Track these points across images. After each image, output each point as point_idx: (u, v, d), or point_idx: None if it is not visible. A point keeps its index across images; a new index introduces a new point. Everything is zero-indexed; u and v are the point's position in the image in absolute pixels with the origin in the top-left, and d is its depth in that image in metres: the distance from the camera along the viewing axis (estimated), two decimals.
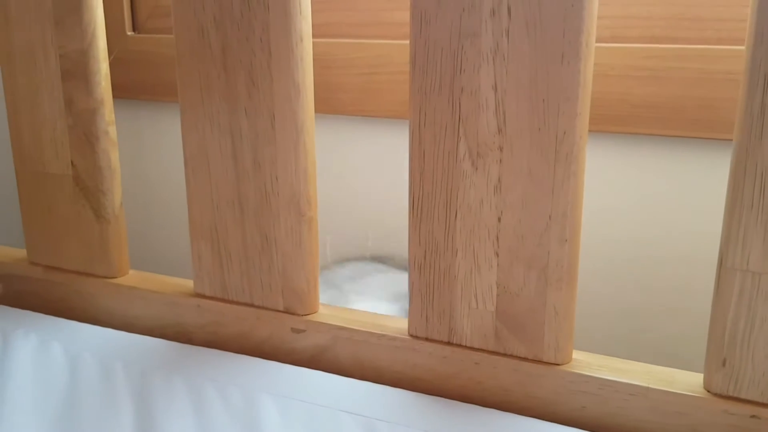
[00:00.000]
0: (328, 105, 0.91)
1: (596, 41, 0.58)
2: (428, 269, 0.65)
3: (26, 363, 0.71)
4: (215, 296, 0.76)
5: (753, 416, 0.57)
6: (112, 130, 0.79)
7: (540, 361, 0.63)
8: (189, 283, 0.79)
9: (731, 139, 0.56)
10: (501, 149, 0.60)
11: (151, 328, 0.79)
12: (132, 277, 0.82)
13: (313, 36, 0.68)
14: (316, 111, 0.69)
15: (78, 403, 0.65)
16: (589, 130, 0.60)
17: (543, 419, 0.63)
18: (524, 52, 0.57)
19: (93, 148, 0.78)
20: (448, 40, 0.60)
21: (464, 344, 0.66)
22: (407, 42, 0.63)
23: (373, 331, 0.69)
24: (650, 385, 0.60)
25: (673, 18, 0.77)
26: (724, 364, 0.58)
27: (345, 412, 0.62)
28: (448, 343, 0.67)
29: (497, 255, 0.62)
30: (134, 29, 1.05)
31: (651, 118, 0.78)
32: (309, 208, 0.70)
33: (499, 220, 0.62)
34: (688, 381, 0.61)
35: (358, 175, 0.95)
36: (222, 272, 0.75)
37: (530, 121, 0.58)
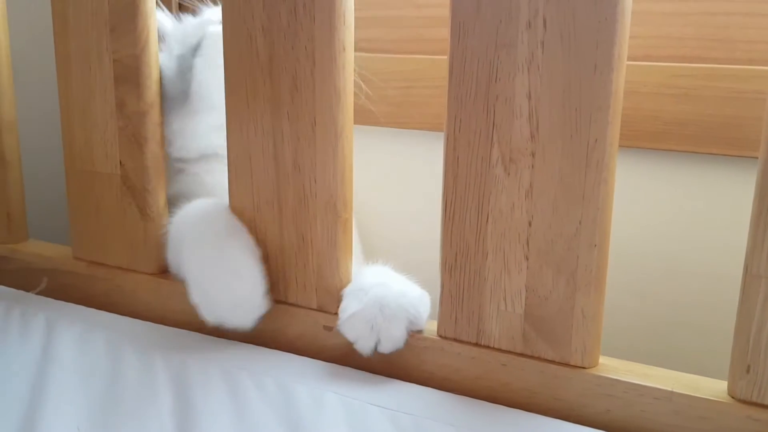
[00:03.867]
0: (366, 117, 0.94)
1: (629, 59, 0.60)
2: (459, 271, 0.67)
3: (70, 350, 0.74)
4: None
5: None
6: (160, 132, 0.82)
7: (567, 364, 0.65)
8: None
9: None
10: (533, 155, 0.62)
11: (189, 323, 0.81)
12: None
13: (354, 50, 0.71)
14: (355, 122, 0.72)
15: (120, 388, 0.68)
16: (621, 146, 0.62)
17: (568, 421, 0.64)
18: (558, 62, 0.60)
19: (142, 149, 0.81)
20: (484, 50, 0.62)
21: (492, 346, 0.68)
22: (443, 57, 0.65)
23: None
24: (675, 390, 0.61)
25: (704, 38, 0.79)
26: (748, 371, 0.59)
27: (374, 405, 0.64)
28: (477, 344, 0.68)
29: (527, 259, 0.64)
30: None
31: (681, 135, 0.80)
32: (345, 209, 0.72)
33: (530, 224, 0.64)
34: (713, 387, 0.62)
35: (392, 182, 0.98)
36: None
37: (562, 129, 0.61)
